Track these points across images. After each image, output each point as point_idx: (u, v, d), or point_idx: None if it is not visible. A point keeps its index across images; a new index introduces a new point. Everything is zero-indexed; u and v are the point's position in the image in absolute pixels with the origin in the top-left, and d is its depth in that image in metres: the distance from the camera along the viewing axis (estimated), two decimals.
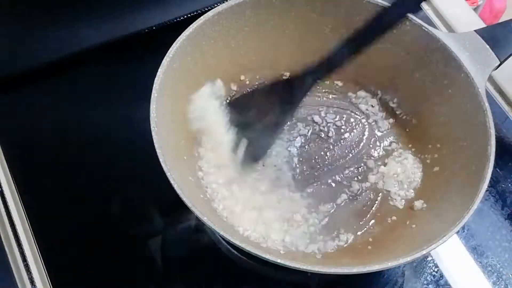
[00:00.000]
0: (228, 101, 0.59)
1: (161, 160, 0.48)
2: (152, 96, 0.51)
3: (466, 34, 0.58)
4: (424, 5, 0.77)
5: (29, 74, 0.67)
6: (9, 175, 0.60)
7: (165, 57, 0.54)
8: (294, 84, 0.56)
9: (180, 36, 0.55)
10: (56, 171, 0.61)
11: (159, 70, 0.53)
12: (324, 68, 0.55)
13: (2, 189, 0.59)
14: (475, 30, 0.58)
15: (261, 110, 0.57)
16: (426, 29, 0.58)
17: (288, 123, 0.62)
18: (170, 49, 0.54)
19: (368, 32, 0.53)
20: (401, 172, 0.59)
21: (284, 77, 0.63)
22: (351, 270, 0.45)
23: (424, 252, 0.46)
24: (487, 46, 0.56)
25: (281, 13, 0.61)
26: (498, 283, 0.57)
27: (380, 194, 0.59)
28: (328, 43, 0.63)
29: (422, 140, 0.61)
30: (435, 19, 0.76)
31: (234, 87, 0.64)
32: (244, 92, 0.61)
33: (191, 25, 0.56)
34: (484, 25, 0.72)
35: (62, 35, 0.69)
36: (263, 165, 0.59)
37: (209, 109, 0.58)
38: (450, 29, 0.75)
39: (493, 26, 0.60)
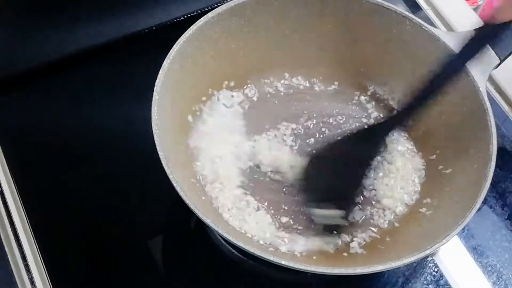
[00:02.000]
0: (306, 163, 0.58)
1: (163, 162, 0.47)
2: (153, 99, 0.51)
3: (466, 33, 0.58)
4: (424, 5, 0.77)
5: (29, 74, 0.67)
6: (9, 175, 0.60)
7: (166, 59, 0.53)
8: (369, 136, 0.57)
9: (180, 38, 0.55)
10: (56, 171, 0.61)
11: (160, 72, 0.53)
12: (394, 122, 0.57)
13: (2, 189, 0.59)
14: (474, 29, 0.58)
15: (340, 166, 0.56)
16: (426, 28, 0.58)
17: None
18: (171, 51, 0.54)
19: (435, 82, 0.53)
20: (402, 173, 0.59)
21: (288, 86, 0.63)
22: (354, 271, 0.45)
23: (427, 252, 0.46)
24: (487, 45, 0.56)
25: (281, 14, 0.61)
26: (498, 283, 0.57)
27: (382, 194, 0.59)
28: (328, 42, 0.64)
29: (423, 140, 0.61)
30: (435, 19, 0.76)
31: (236, 89, 0.64)
32: (314, 153, 0.59)
33: (191, 27, 0.56)
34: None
35: (62, 35, 0.69)
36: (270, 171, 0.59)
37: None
38: (450, 28, 0.75)
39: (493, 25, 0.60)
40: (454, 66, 0.53)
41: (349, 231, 0.56)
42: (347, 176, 0.56)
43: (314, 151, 0.59)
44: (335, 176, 0.56)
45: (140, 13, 0.72)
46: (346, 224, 0.55)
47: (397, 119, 0.58)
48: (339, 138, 0.59)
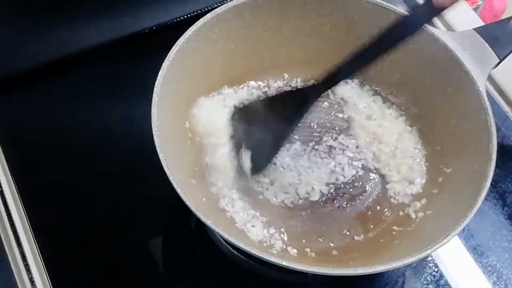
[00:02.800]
0: (233, 109, 0.57)
1: (163, 164, 0.47)
2: (153, 100, 0.51)
3: (466, 33, 0.58)
4: None
5: (29, 74, 0.67)
6: (9, 175, 0.60)
7: (165, 61, 0.53)
8: (299, 96, 0.55)
9: (180, 39, 0.55)
10: (56, 171, 0.61)
11: (159, 73, 0.52)
12: (329, 82, 0.54)
13: (2, 189, 0.59)
14: (474, 29, 0.58)
15: (265, 120, 0.56)
16: (425, 28, 0.58)
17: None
18: (170, 52, 0.54)
19: (378, 45, 0.50)
20: (403, 172, 0.59)
21: (288, 88, 0.64)
22: (356, 271, 0.45)
23: (428, 252, 0.46)
24: (487, 45, 0.56)
25: (280, 14, 0.61)
26: (498, 283, 0.57)
27: (383, 193, 0.58)
28: (327, 42, 0.64)
29: (423, 139, 0.61)
30: (434, 19, 0.76)
31: (236, 89, 0.64)
32: (249, 102, 0.60)
33: (190, 28, 0.56)
34: (483, 24, 0.72)
35: (62, 35, 0.69)
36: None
37: (215, 114, 0.58)
38: (449, 28, 0.75)
39: (492, 24, 0.60)
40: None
41: (351, 231, 0.56)
42: (271, 134, 0.56)
43: (250, 102, 0.59)
44: (263, 130, 0.56)
45: (140, 13, 0.72)
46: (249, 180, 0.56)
47: (324, 84, 0.54)
48: (276, 94, 0.60)
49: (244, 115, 0.56)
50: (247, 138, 0.56)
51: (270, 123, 0.56)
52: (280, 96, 0.59)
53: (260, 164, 0.57)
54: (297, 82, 0.65)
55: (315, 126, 0.63)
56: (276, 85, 0.65)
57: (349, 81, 0.65)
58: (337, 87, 0.64)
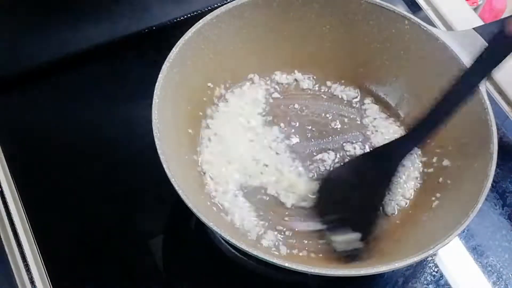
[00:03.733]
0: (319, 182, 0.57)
1: (164, 165, 0.47)
2: (153, 102, 0.51)
3: (465, 32, 0.58)
4: (424, 5, 0.77)
5: (29, 74, 0.67)
6: (9, 175, 0.60)
7: (165, 62, 0.53)
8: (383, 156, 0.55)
9: (180, 40, 0.55)
10: (56, 171, 0.61)
11: (160, 75, 0.52)
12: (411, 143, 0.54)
13: (2, 189, 0.59)
14: (474, 29, 0.58)
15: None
16: (425, 28, 0.59)
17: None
18: (170, 54, 0.54)
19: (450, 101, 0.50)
20: (404, 172, 0.59)
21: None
22: (358, 272, 0.45)
23: (430, 251, 0.46)
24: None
25: (279, 15, 0.61)
26: (498, 283, 0.57)
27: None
28: (327, 43, 0.64)
29: None
30: (434, 18, 0.76)
31: (236, 89, 0.63)
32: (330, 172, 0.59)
33: (190, 29, 0.56)
34: (483, 24, 0.72)
35: (62, 35, 0.69)
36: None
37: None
38: (449, 28, 0.75)
39: (492, 23, 0.60)
40: (469, 81, 0.50)
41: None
42: (362, 197, 0.55)
43: (326, 173, 0.58)
44: (349, 198, 0.55)
45: (140, 13, 0.72)
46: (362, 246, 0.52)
47: (411, 140, 0.54)
48: (352, 159, 0.59)
49: (329, 185, 0.55)
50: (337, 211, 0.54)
51: (360, 189, 0.54)
52: (362, 159, 0.57)
53: (367, 229, 0.53)
54: (297, 82, 0.65)
55: (314, 129, 0.62)
56: (276, 86, 0.65)
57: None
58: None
